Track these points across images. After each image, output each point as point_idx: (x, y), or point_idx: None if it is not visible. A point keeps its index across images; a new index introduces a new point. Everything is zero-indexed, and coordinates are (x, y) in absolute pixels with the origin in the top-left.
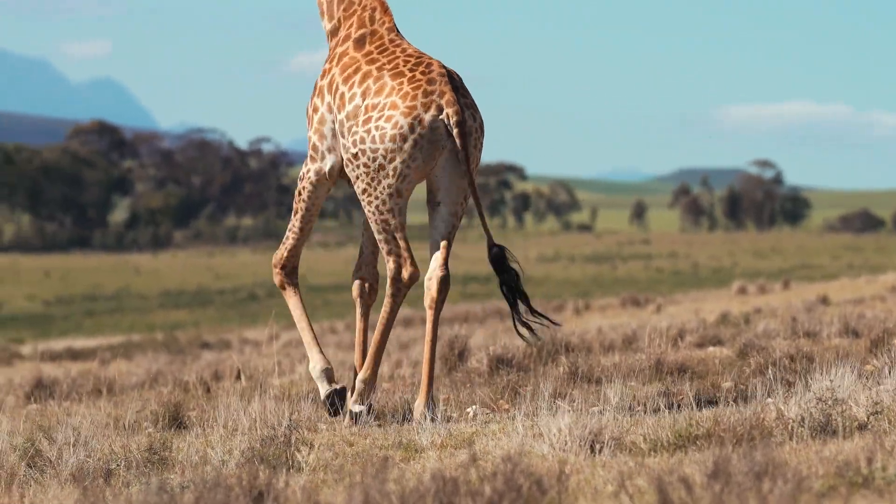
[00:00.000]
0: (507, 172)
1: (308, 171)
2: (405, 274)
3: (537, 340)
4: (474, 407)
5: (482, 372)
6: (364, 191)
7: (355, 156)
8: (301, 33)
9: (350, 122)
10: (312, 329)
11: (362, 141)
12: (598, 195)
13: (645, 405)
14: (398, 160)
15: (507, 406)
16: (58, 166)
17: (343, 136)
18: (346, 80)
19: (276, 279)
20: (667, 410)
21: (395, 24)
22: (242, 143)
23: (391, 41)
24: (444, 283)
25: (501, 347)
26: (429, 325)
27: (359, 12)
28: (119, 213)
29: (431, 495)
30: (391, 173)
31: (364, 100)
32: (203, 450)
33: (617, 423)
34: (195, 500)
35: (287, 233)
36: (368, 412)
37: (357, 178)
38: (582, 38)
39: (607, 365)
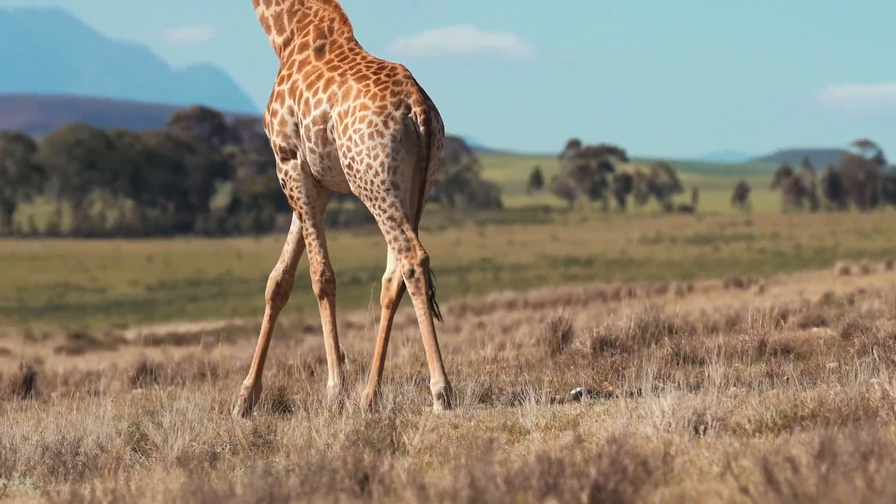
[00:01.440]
0: (608, 154)
1: (286, 172)
2: (416, 262)
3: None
4: (579, 389)
5: (586, 354)
6: (366, 196)
7: (349, 166)
8: (400, 17)
9: (317, 127)
10: (338, 346)
11: (349, 149)
12: (699, 176)
13: (749, 386)
14: (382, 155)
15: (611, 387)
16: (159, 152)
17: (309, 140)
18: (309, 87)
19: (316, 288)
20: (771, 391)
21: (353, 35)
22: None
23: (350, 49)
24: (404, 287)
25: (605, 329)
26: (383, 323)
27: (315, 23)
28: (221, 198)
29: (537, 477)
30: (380, 170)
31: (332, 107)
32: (308, 433)
33: (721, 404)
34: (300, 484)
35: (307, 241)
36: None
37: (357, 186)
38: (683, 19)
39: (710, 346)
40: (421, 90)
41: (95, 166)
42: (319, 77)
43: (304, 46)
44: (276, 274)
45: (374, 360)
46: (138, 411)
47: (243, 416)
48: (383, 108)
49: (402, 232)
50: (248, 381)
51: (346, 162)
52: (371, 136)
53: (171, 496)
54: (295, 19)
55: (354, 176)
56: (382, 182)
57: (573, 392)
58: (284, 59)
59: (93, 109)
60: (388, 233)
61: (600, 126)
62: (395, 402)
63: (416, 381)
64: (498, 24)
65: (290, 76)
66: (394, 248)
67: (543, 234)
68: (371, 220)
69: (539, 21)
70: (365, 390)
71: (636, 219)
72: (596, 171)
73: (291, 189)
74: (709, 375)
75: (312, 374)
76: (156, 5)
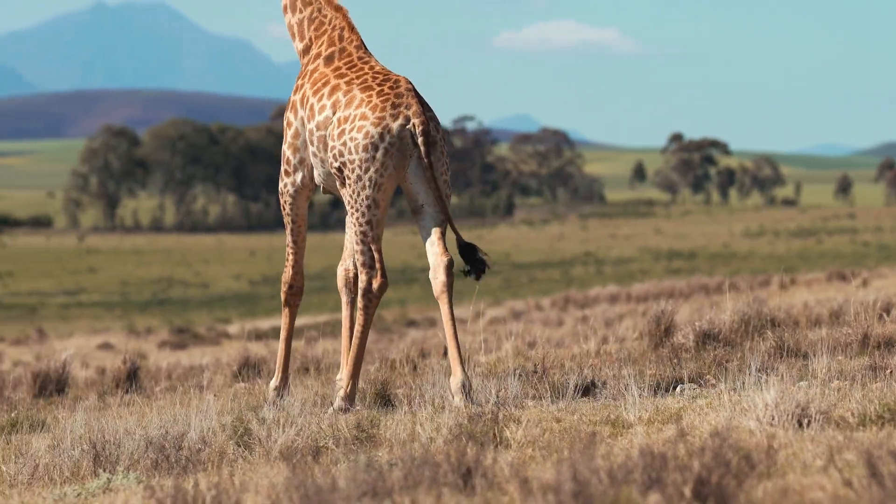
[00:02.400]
0: (711, 148)
1: (285, 185)
2: (375, 285)
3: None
4: (681, 382)
5: (688, 347)
6: (349, 202)
7: (339, 169)
8: (505, 11)
9: (320, 132)
10: (289, 352)
11: (341, 154)
12: (802, 170)
13: (852, 379)
14: (372, 170)
15: (714, 381)
16: (262, 146)
17: (312, 145)
18: (315, 93)
19: (283, 297)
20: (875, 384)
21: (362, 43)
22: (446, 121)
23: (359, 58)
24: (450, 267)
25: (707, 322)
26: (445, 309)
27: (329, 31)
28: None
29: (640, 470)
30: (367, 184)
31: (335, 112)
32: (411, 427)
33: (824, 398)
34: (403, 478)
35: (286, 250)
36: (347, 411)
37: (344, 191)
38: (786, 11)
39: (814, 339)
40: (422, 102)
41: (198, 161)
42: (325, 84)
43: (318, 55)
44: (344, 265)
45: (450, 344)
46: (241, 405)
47: (343, 411)
48: (382, 119)
49: (370, 250)
50: (345, 380)
51: (337, 165)
52: (366, 147)
53: (275, 490)
54: (313, 27)
55: (344, 181)
56: (367, 197)
57: (677, 387)
58: (302, 67)
59: (196, 104)
60: (357, 244)
61: (703, 119)
62: (497, 396)
63: (518, 375)
64: (601, 19)
65: (301, 86)
66: (359, 262)
67: (646, 228)
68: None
69: (641, 15)
70: (455, 378)
71: (739, 212)
72: (699, 165)
73: (284, 202)
74: (812, 369)
75: (415, 367)
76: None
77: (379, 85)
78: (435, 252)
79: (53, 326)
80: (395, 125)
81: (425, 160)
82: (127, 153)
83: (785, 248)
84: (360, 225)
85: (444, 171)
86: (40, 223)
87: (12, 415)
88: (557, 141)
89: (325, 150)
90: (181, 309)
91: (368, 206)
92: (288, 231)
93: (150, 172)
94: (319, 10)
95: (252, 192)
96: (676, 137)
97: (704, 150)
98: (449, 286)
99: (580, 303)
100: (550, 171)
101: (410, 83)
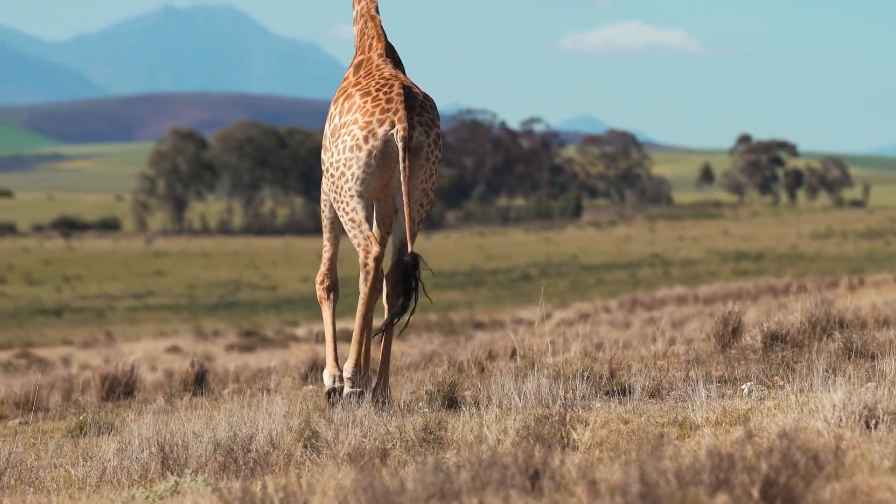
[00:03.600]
0: (778, 149)
1: (322, 187)
2: (372, 252)
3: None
4: (749, 383)
5: (756, 348)
6: (334, 198)
7: (327, 169)
8: (570, 13)
9: (330, 140)
10: (335, 343)
11: (332, 154)
12: (870, 171)
13: None
14: (355, 166)
15: (781, 382)
16: None
17: (328, 150)
18: (335, 102)
19: (318, 294)
20: None
21: (384, 50)
22: (514, 123)
23: (376, 66)
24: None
25: (775, 324)
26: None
27: (364, 41)
28: None
29: (707, 472)
30: (350, 178)
31: (340, 118)
32: (478, 429)
33: (893, 398)
34: (471, 479)
35: (322, 251)
36: (359, 396)
37: (330, 186)
38: (853, 10)
39: (882, 340)
40: (412, 107)
41: (266, 164)
42: (343, 92)
43: (352, 64)
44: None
45: (382, 355)
46: (309, 408)
47: (357, 395)
48: (369, 123)
49: (361, 231)
50: (350, 360)
51: (327, 165)
52: (352, 148)
53: (343, 492)
54: (360, 38)
55: (329, 178)
56: (349, 189)
57: (744, 388)
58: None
59: (264, 107)
60: (349, 231)
61: (771, 120)
62: (565, 398)
63: (586, 377)
64: (667, 20)
65: (337, 95)
66: (355, 245)
67: (714, 230)
68: (542, 216)
69: (707, 16)
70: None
71: (807, 213)
72: (766, 166)
73: (322, 202)
74: (880, 370)
75: (483, 369)
76: (327, 2)
77: (376, 91)
78: (392, 260)
79: (121, 329)
80: (379, 130)
81: (403, 162)
82: (195, 156)
83: (853, 250)
84: (346, 213)
85: (426, 177)
86: (108, 226)
87: (81, 418)
88: (625, 143)
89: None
90: (249, 312)
91: (352, 196)
92: (325, 232)
93: (217, 175)
94: (365, 22)
95: (320, 195)
96: (744, 139)
97: (772, 151)
98: (390, 294)
99: (647, 304)
100: (618, 172)
101: (405, 88)
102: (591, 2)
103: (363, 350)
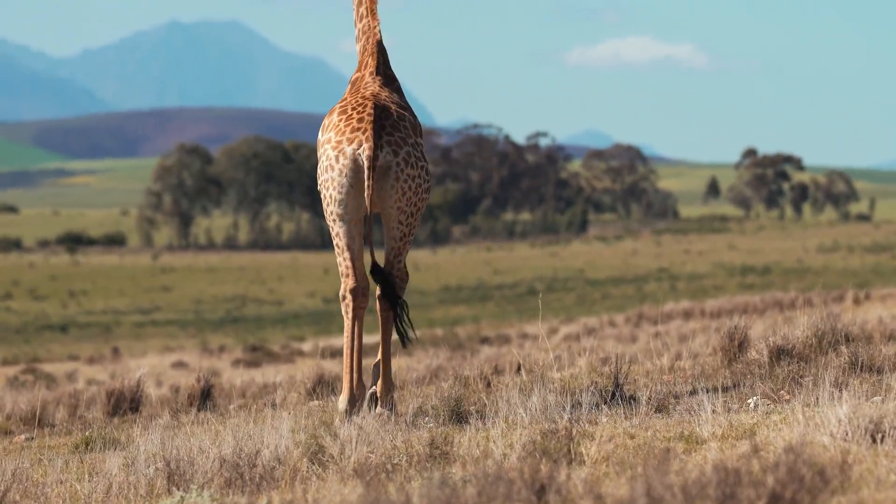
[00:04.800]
0: (784, 163)
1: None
2: (348, 287)
3: (411, 340)
4: (755, 398)
5: (762, 363)
6: (326, 219)
7: (319, 189)
8: (577, 27)
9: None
10: (353, 359)
11: (319, 175)
12: (876, 185)
13: None
14: (332, 188)
15: (787, 396)
16: None
17: None
18: (328, 116)
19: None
20: None
21: (376, 67)
22: (519, 138)
23: (364, 84)
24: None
25: (781, 338)
26: (358, 325)
27: (364, 58)
28: None
29: (713, 486)
30: (330, 201)
31: (322, 134)
32: (484, 444)
33: None
34: (477, 494)
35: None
36: (349, 413)
37: (323, 205)
38: (859, 26)
39: (888, 354)
40: (382, 127)
41: (272, 178)
42: (333, 110)
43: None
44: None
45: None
46: (315, 423)
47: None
48: (339, 143)
49: (343, 259)
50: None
51: (317, 184)
52: (327, 168)
53: None
54: (360, 55)
55: (321, 198)
56: (332, 213)
57: (750, 401)
58: None
59: (270, 122)
60: (336, 255)
61: (777, 134)
62: (571, 413)
63: (592, 391)
64: (675, 34)
65: None
66: (339, 271)
67: (720, 244)
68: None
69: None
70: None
71: (813, 227)
72: (772, 180)
73: (331, 222)
74: (886, 384)
75: (489, 384)
76: (333, 17)
77: (352, 110)
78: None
79: (128, 345)
80: (348, 149)
81: (366, 181)
82: (201, 171)
83: (859, 264)
84: (333, 238)
85: (398, 196)
86: (114, 241)
87: (87, 433)
88: (630, 157)
89: None
90: (255, 327)
91: (335, 220)
92: (336, 248)
93: (223, 190)
94: (367, 40)
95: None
96: (750, 153)
97: (778, 165)
98: (385, 311)
99: (654, 319)
100: (624, 186)
101: (377, 108)
102: (597, 16)
103: (355, 374)
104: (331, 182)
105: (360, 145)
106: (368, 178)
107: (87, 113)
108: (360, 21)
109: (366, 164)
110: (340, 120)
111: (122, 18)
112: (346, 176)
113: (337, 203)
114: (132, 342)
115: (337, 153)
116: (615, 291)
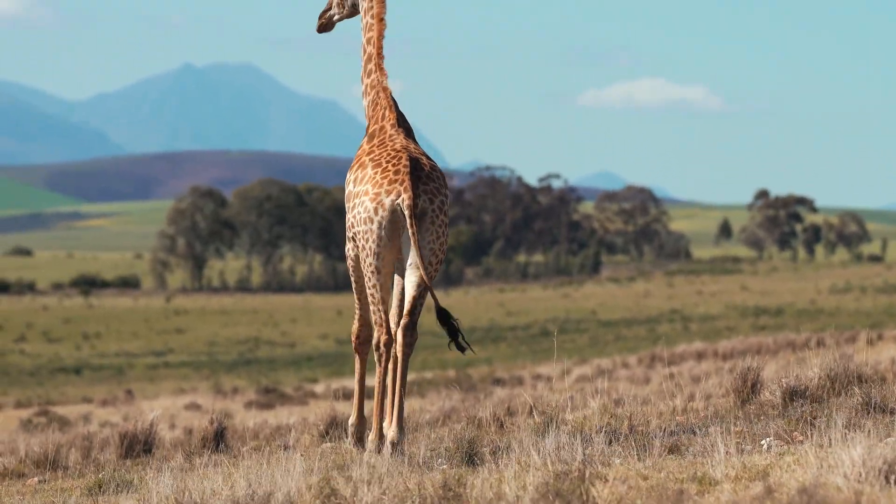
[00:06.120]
0: (797, 205)
1: (348, 249)
2: (382, 340)
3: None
4: (768, 439)
5: (775, 404)
6: (363, 269)
7: (353, 238)
8: (588, 69)
9: (348, 205)
10: (363, 394)
11: (353, 225)
12: (888, 226)
13: None
14: (371, 240)
15: (801, 437)
16: None
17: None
18: (351, 169)
19: (353, 344)
20: None
21: (397, 121)
22: (531, 179)
23: (389, 136)
24: (406, 335)
25: (794, 379)
26: (399, 368)
27: (377, 111)
28: None
29: None
30: (368, 253)
31: (354, 187)
32: (497, 486)
33: None
34: None
35: (354, 307)
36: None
37: (357, 255)
38: (870, 69)
39: None
40: (417, 178)
41: (285, 221)
42: (358, 160)
43: (367, 133)
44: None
45: (395, 398)
46: (328, 465)
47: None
48: (377, 195)
49: (377, 311)
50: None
51: (351, 234)
52: (365, 220)
53: None
54: (372, 108)
55: (358, 248)
56: (370, 265)
57: (764, 442)
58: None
59: (283, 164)
60: (370, 306)
61: (789, 176)
62: (584, 454)
63: (605, 433)
64: (687, 77)
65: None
66: (371, 322)
67: (732, 285)
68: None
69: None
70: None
71: (825, 268)
72: (785, 222)
73: (349, 264)
74: None
75: (502, 426)
76: (345, 59)
77: (386, 163)
78: (400, 313)
79: (141, 387)
80: (387, 200)
81: (409, 228)
82: (214, 214)
83: (872, 305)
84: (368, 289)
85: (432, 239)
86: (128, 284)
87: (100, 475)
88: (643, 198)
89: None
90: (268, 369)
91: (372, 273)
92: (354, 290)
93: (237, 233)
94: (378, 94)
95: (339, 252)
96: (762, 194)
97: (790, 206)
98: (407, 346)
99: (666, 360)
100: (636, 228)
101: (412, 160)
102: (609, 59)
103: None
104: (369, 234)
105: (399, 196)
106: (411, 226)
107: (101, 156)
108: (369, 76)
109: (406, 212)
110: (376, 172)
111: (135, 62)
112: (384, 228)
113: (375, 255)
114: (145, 384)
115: (375, 205)
116: (628, 333)
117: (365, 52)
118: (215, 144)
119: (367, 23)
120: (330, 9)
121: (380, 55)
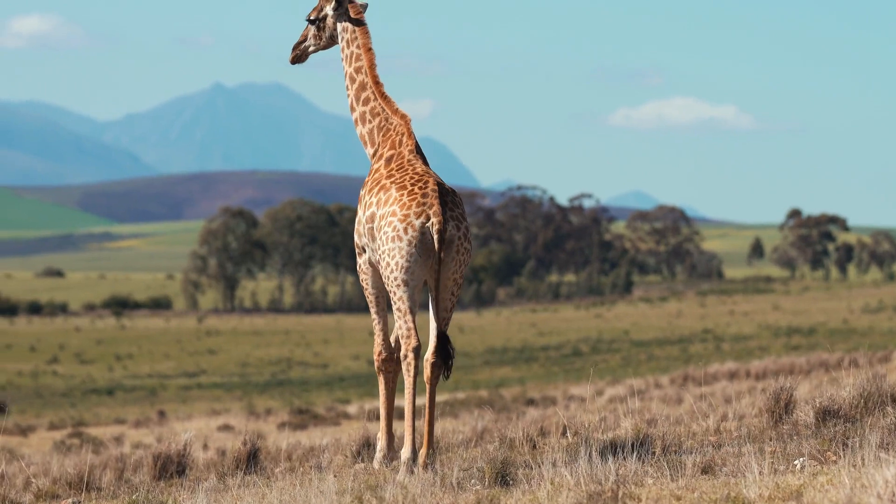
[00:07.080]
0: (829, 224)
1: (360, 264)
2: (409, 348)
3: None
4: (802, 459)
5: (809, 424)
6: (387, 285)
7: (378, 260)
8: (621, 89)
9: (369, 225)
10: (391, 420)
11: (379, 247)
12: None
13: None
14: (399, 256)
15: (834, 457)
16: None
17: (366, 235)
18: (370, 191)
19: (375, 365)
20: None
21: (415, 147)
22: (563, 199)
23: (408, 161)
24: (435, 367)
25: (827, 399)
26: (427, 397)
27: (392, 136)
28: None
29: None
30: (395, 268)
31: (378, 209)
32: None
33: None
34: None
35: (372, 324)
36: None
37: (382, 274)
38: None
39: None
40: (444, 203)
41: (316, 241)
42: (377, 182)
43: (381, 157)
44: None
45: (424, 426)
46: (360, 486)
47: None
48: (406, 216)
49: (405, 322)
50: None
51: (377, 257)
52: (393, 239)
53: None
54: (381, 133)
55: (380, 268)
56: (396, 278)
57: (797, 462)
58: (371, 168)
59: (314, 185)
60: (396, 319)
61: (821, 195)
62: (617, 474)
63: (638, 454)
64: (718, 96)
65: (367, 182)
66: (399, 334)
67: (765, 304)
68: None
69: (758, 92)
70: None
71: (858, 288)
72: (817, 241)
73: (362, 279)
74: None
75: (534, 446)
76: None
77: (412, 185)
78: (430, 349)
79: (174, 408)
80: (416, 222)
81: (437, 254)
82: (245, 234)
83: None
84: (395, 302)
85: (457, 267)
86: (160, 305)
87: (133, 497)
88: (675, 218)
89: (373, 241)
90: (300, 389)
91: (398, 285)
92: (371, 306)
93: (268, 253)
94: (386, 119)
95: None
96: (794, 213)
97: (823, 226)
98: (432, 380)
99: (699, 380)
100: (668, 248)
101: (438, 185)
102: (640, 78)
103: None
104: (398, 251)
105: (429, 219)
106: (439, 252)
107: (132, 177)
108: (366, 104)
109: (436, 237)
110: (402, 195)
111: (165, 82)
112: (415, 246)
113: (404, 270)
114: (178, 405)
115: (405, 225)
116: (660, 352)
117: (354, 81)
118: (245, 164)
119: (352, 52)
120: (304, 40)
121: (377, 83)
